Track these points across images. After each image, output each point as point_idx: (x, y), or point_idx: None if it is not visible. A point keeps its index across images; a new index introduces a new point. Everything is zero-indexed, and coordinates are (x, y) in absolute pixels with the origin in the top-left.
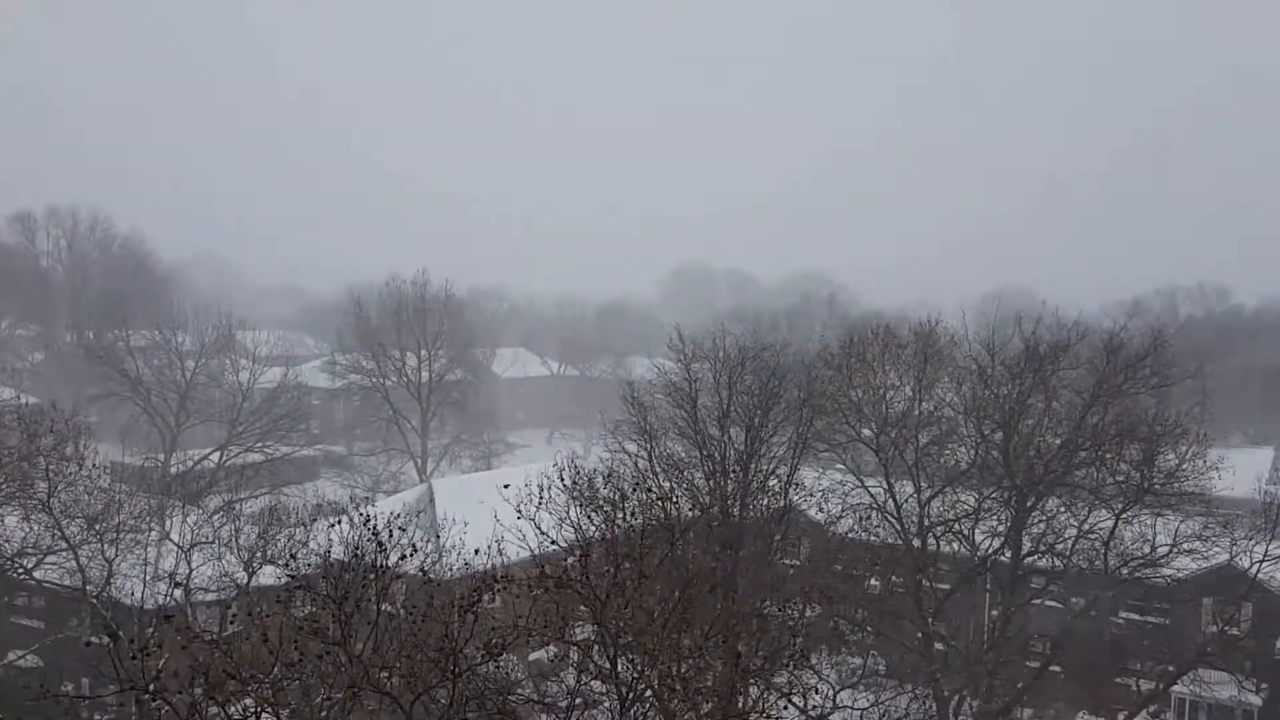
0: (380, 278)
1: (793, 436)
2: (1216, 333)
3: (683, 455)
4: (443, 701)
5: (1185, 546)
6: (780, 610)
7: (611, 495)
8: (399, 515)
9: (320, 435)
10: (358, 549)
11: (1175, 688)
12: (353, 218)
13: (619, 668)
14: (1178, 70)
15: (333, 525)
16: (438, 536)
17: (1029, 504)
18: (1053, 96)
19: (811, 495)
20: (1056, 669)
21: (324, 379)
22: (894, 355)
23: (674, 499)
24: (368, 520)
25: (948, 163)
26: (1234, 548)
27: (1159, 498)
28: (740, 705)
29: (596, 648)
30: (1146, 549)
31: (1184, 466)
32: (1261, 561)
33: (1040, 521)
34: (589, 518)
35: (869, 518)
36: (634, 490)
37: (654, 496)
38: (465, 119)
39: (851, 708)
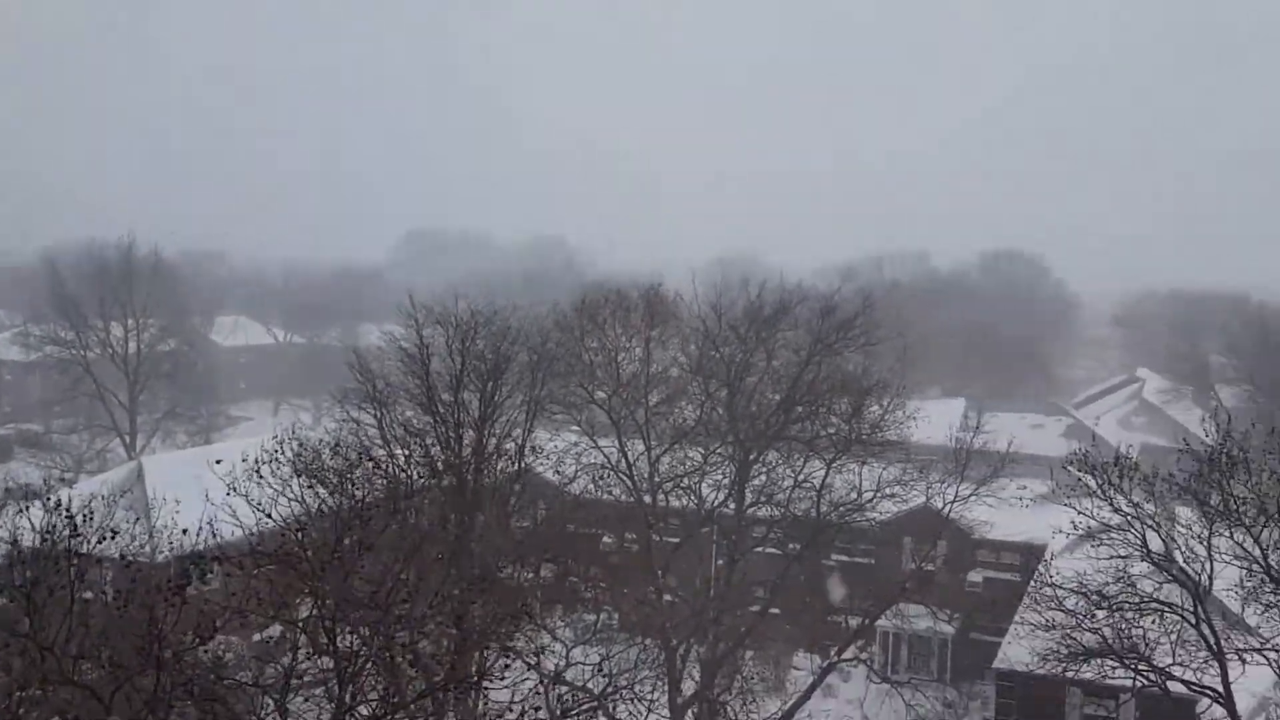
0: (80, 241)
1: (526, 400)
2: (918, 294)
3: (415, 423)
4: (147, 690)
5: (888, 491)
6: (515, 572)
7: (339, 465)
8: (101, 496)
9: (11, 413)
10: (48, 533)
11: (880, 622)
12: (40, 175)
13: (338, 642)
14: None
15: (20, 511)
16: (148, 517)
17: (751, 458)
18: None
19: (547, 458)
20: (776, 611)
21: (16, 351)
22: (623, 318)
23: (405, 468)
24: (58, 504)
25: (684, 134)
26: (929, 490)
27: (865, 447)
28: (472, 670)
29: (317, 623)
30: (854, 495)
31: (886, 418)
32: (953, 502)
33: (761, 474)
34: (314, 490)
35: (603, 477)
36: (360, 460)
37: (380, 466)
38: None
39: (583, 663)
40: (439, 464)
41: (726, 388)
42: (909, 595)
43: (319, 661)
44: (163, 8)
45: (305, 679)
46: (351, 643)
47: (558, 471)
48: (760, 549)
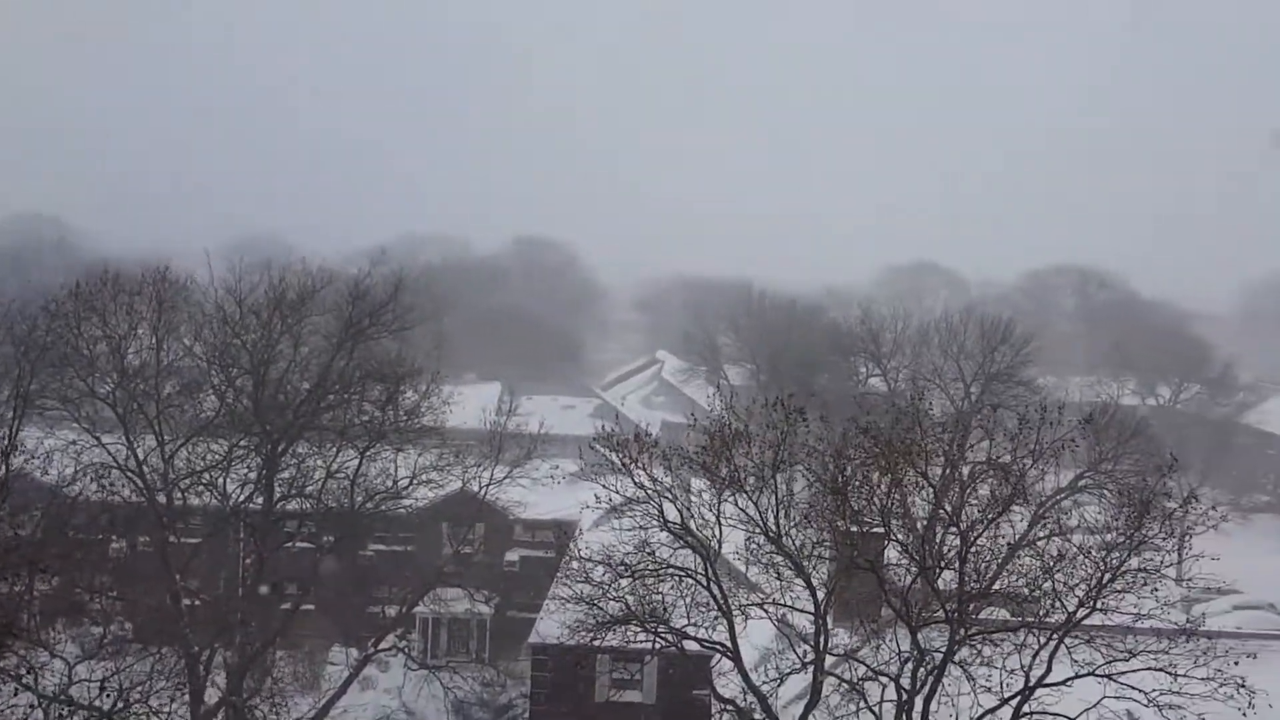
0: None
1: (11, 394)
2: (453, 278)
3: None
4: None
5: (424, 477)
6: (6, 586)
7: None
8: None
9: None
10: None
11: (419, 608)
12: None
13: None
14: None
15: None
16: None
17: (280, 449)
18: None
19: (34, 457)
20: (310, 607)
21: None
22: (125, 302)
23: None
24: None
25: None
26: (466, 475)
27: (401, 434)
28: None
29: None
30: (390, 483)
31: (422, 404)
32: (489, 485)
33: (291, 465)
34: None
35: (107, 477)
36: None
37: None
38: None
39: (88, 680)
40: None
41: (250, 377)
42: (447, 579)
43: None
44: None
45: None
46: None
47: (47, 471)
48: (292, 544)
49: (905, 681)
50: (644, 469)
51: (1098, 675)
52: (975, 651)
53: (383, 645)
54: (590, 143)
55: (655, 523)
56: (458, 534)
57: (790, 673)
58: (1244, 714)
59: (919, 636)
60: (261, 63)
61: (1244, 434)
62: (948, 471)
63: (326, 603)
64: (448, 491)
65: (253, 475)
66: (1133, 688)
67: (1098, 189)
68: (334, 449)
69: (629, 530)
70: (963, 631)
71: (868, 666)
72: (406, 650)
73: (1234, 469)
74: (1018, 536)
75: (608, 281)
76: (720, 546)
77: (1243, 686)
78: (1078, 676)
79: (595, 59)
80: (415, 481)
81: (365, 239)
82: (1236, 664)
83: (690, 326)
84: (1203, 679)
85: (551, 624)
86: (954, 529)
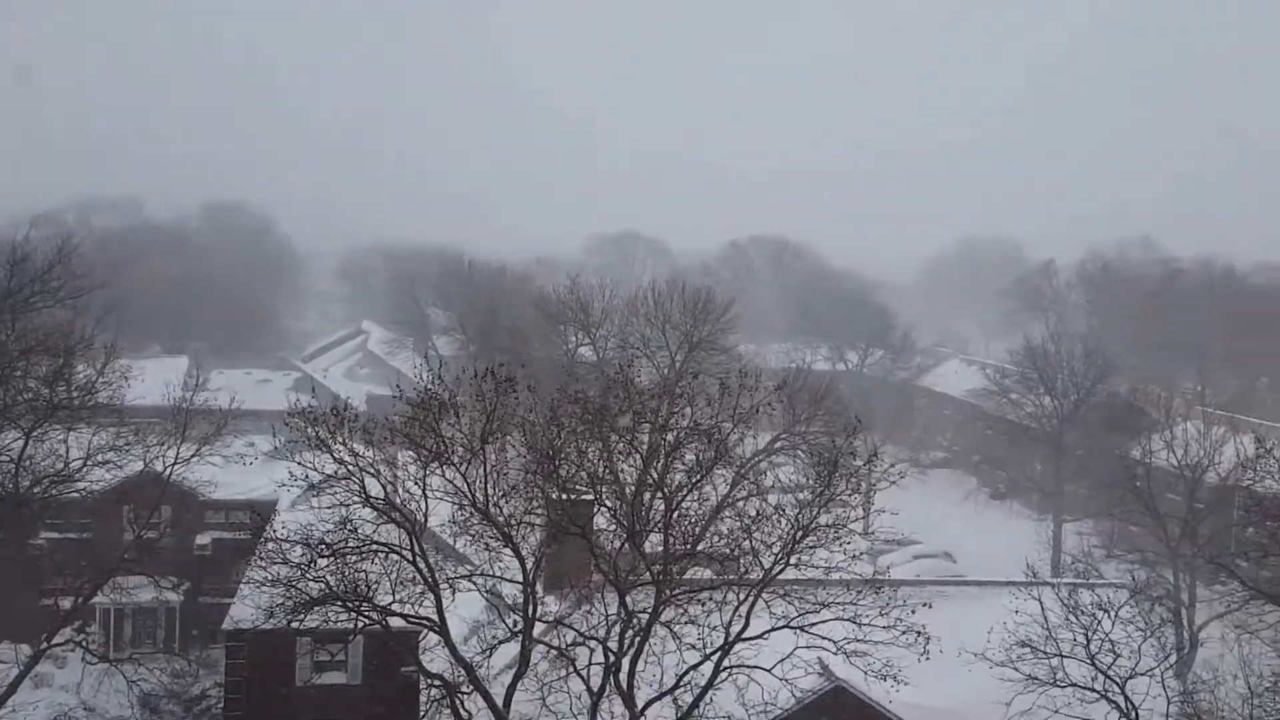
0: None
1: None
2: (131, 245)
3: None
4: None
5: (100, 458)
6: None
7: None
8: None
9: None
10: None
11: (98, 599)
12: None
13: None
14: None
15: None
16: None
17: None
18: None
19: None
20: None
21: None
22: None
23: None
24: None
25: None
26: (148, 454)
27: (72, 412)
28: None
29: None
30: (61, 465)
31: (97, 380)
32: (174, 465)
33: None
34: None
35: None
36: None
37: None
38: None
39: None
40: None
41: None
42: (129, 567)
43: None
44: None
45: None
46: None
47: None
48: None
49: (613, 645)
50: (344, 443)
51: (792, 627)
52: (681, 611)
53: (57, 640)
54: (289, 103)
55: (357, 499)
56: (140, 518)
57: (499, 643)
58: (919, 659)
59: (627, 600)
60: None
61: (922, 395)
62: (654, 438)
63: None
64: (128, 473)
65: None
66: (824, 638)
67: (791, 163)
68: None
69: (329, 508)
70: (668, 592)
71: (576, 631)
72: (85, 644)
73: (914, 428)
74: (721, 499)
75: (308, 249)
76: (427, 520)
77: (920, 634)
78: (773, 629)
79: (291, 8)
80: (90, 463)
81: (29, 202)
82: (914, 612)
83: (399, 296)
84: (885, 627)
85: (246, 608)
86: (660, 494)
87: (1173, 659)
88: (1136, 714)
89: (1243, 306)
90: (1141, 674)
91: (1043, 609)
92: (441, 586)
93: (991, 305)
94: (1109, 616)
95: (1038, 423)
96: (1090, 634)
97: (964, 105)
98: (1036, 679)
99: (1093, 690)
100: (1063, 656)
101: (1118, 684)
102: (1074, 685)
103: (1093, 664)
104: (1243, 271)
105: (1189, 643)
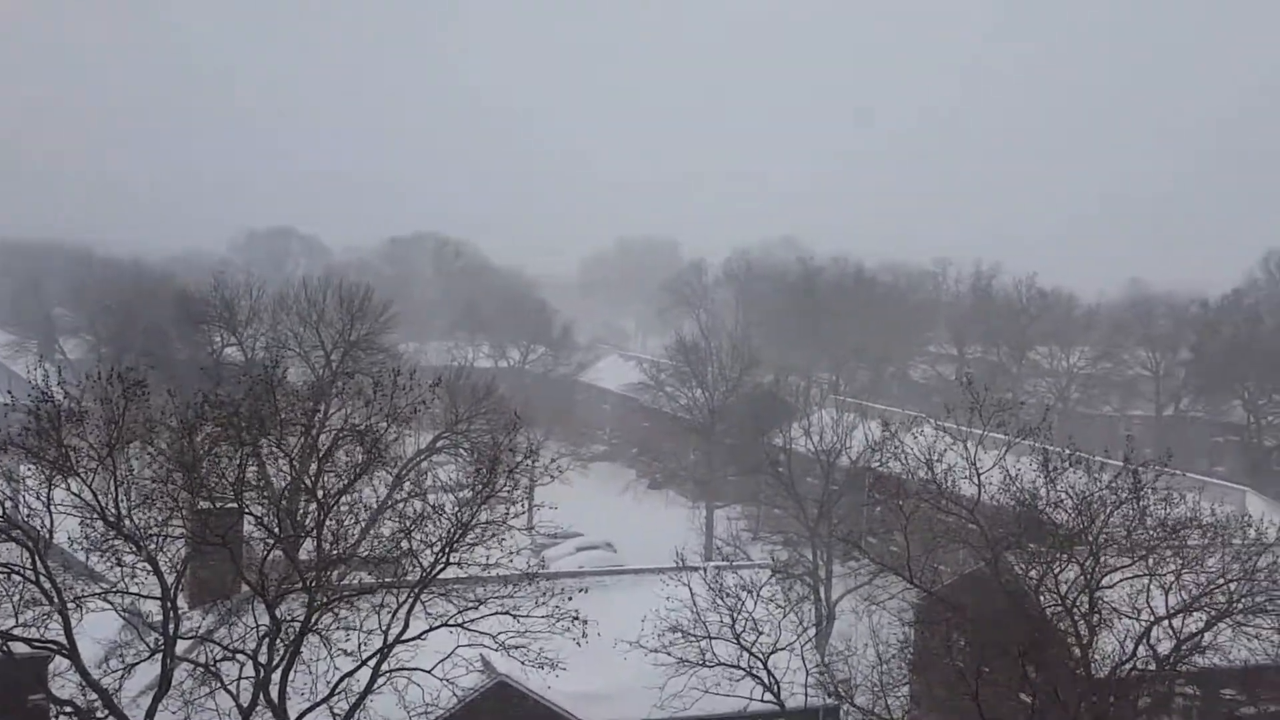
0: None
1: None
2: None
3: None
4: None
5: None
6: None
7: None
8: None
9: None
10: None
11: None
12: None
13: None
14: None
15: None
16: None
17: None
18: None
19: None
20: None
21: None
22: None
23: None
24: None
25: None
26: None
27: None
28: None
29: None
30: None
31: None
32: None
33: None
34: None
35: None
36: None
37: None
38: None
39: None
40: None
41: None
42: None
43: None
44: None
45: None
46: None
47: None
48: None
49: (263, 657)
50: None
51: (450, 625)
52: (336, 617)
53: None
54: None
55: None
56: None
57: (137, 663)
58: (578, 643)
59: (279, 609)
60: None
61: (583, 390)
62: (305, 440)
63: None
64: None
65: None
66: (483, 633)
67: (464, 161)
68: None
69: None
70: (321, 599)
71: (222, 646)
72: None
73: (575, 422)
74: (381, 500)
75: None
76: (52, 536)
77: (576, 619)
78: (431, 629)
79: None
80: None
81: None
82: (570, 599)
83: (22, 295)
84: (543, 617)
85: None
86: (313, 498)
87: (811, 633)
88: (779, 687)
89: (873, 303)
90: (782, 649)
91: (692, 594)
92: (69, 606)
93: (648, 302)
94: (752, 596)
95: (691, 414)
96: (735, 614)
97: (638, 109)
98: (688, 661)
99: (739, 668)
100: (711, 638)
101: (761, 660)
102: (722, 665)
103: (738, 643)
104: (871, 270)
105: (826, 616)
